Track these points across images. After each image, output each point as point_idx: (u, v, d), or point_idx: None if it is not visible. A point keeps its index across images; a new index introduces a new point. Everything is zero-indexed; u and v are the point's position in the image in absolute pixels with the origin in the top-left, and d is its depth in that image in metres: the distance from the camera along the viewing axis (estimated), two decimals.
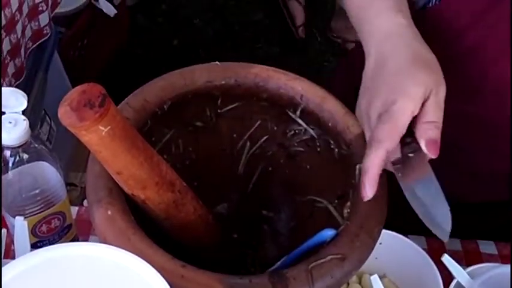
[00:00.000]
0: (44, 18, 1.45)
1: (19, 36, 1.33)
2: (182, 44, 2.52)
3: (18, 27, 1.32)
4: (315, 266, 0.59)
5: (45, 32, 1.47)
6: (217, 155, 0.80)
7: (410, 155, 0.61)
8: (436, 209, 0.59)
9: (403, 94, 0.60)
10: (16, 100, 0.73)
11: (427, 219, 0.59)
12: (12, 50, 1.32)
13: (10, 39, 1.30)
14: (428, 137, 0.60)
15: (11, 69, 1.34)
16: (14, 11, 1.27)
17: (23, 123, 0.72)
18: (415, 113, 0.61)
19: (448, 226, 0.59)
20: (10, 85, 1.33)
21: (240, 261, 0.77)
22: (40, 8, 1.42)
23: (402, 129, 0.60)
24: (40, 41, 1.47)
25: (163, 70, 0.74)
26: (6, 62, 1.30)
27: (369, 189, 0.60)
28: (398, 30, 0.66)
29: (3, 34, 1.26)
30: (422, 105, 0.61)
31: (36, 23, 1.43)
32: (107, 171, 0.62)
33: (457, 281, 0.82)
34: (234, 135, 0.80)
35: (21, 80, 1.39)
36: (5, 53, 1.29)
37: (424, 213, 0.59)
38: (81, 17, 1.98)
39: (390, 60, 0.63)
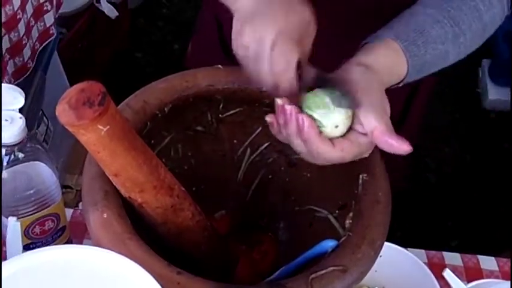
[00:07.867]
0: (49, 18, 1.43)
1: (21, 36, 1.31)
2: (183, 49, 2.50)
3: (21, 26, 1.30)
4: (316, 277, 0.58)
5: (51, 32, 1.46)
6: (216, 160, 0.79)
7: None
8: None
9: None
10: (13, 98, 0.71)
11: None
12: (12, 49, 1.30)
13: (10, 37, 1.28)
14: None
15: (10, 68, 1.31)
16: (16, 9, 1.25)
17: (20, 121, 0.71)
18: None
19: None
20: (10, 83, 1.31)
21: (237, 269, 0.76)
22: (45, 8, 1.40)
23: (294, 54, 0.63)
24: (47, 42, 1.45)
25: (163, 74, 0.72)
26: (5, 60, 1.28)
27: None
28: None
29: (3, 32, 1.24)
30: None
31: (42, 23, 1.41)
32: (104, 173, 0.60)
33: None
34: (235, 141, 0.78)
35: (21, 80, 1.37)
36: (3, 51, 1.27)
37: None
38: (82, 18, 1.97)
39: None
